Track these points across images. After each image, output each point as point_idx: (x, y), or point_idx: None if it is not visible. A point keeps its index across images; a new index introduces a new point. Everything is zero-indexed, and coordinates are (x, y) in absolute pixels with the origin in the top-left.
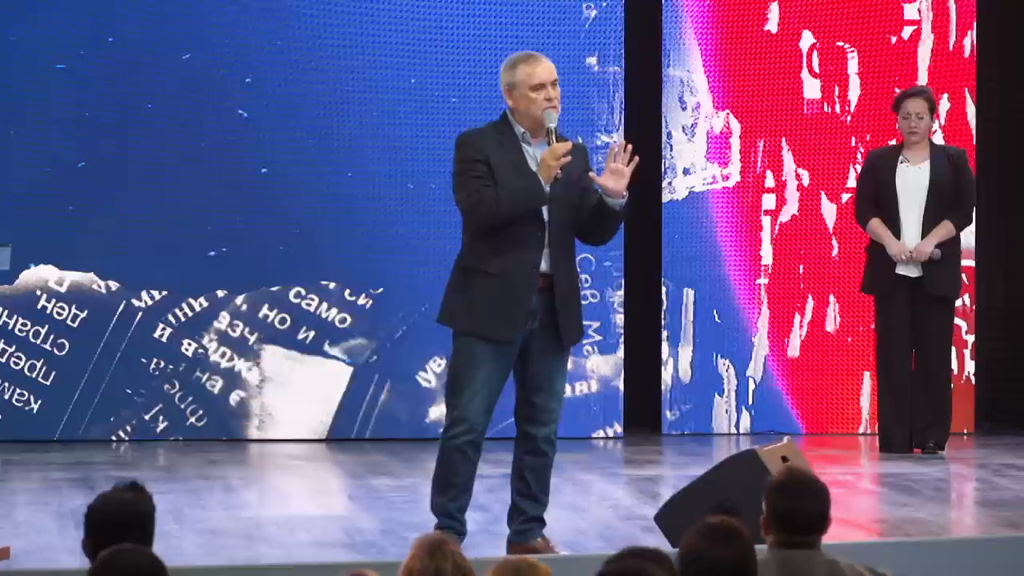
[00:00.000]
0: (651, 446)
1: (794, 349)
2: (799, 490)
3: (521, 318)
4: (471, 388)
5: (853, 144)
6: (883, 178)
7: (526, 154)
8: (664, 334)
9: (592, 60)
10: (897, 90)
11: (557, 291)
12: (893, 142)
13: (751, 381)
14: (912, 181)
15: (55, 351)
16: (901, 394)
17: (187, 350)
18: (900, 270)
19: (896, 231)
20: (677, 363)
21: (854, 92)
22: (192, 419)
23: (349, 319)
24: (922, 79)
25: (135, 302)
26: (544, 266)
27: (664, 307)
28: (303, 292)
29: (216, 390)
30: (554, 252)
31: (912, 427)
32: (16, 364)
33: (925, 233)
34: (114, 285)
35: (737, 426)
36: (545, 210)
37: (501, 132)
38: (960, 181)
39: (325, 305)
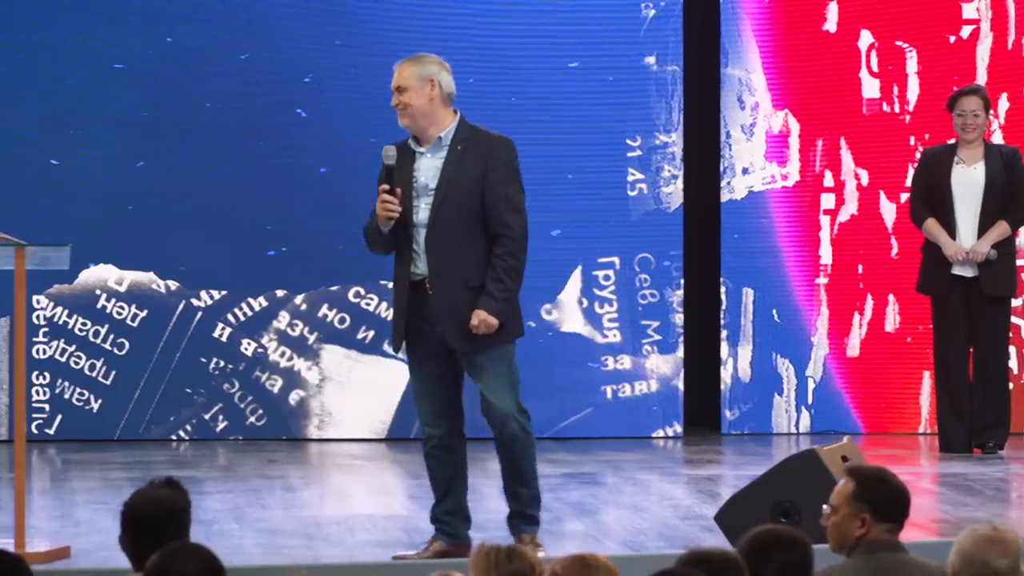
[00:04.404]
0: (711, 446)
1: (854, 349)
2: (889, 477)
3: (405, 327)
4: (415, 397)
5: (912, 143)
6: (938, 178)
7: (417, 162)
8: (723, 333)
9: (651, 59)
10: (955, 89)
11: (435, 295)
12: (952, 141)
13: (811, 381)
14: (967, 181)
15: (115, 351)
16: (959, 394)
17: (247, 350)
18: (956, 270)
19: (951, 231)
20: (737, 363)
21: (913, 91)
22: (252, 418)
23: None
24: (981, 78)
25: (195, 302)
26: (424, 271)
27: (723, 307)
28: (362, 292)
29: (276, 390)
30: (434, 256)
31: (971, 427)
32: (76, 363)
33: (981, 233)
34: (173, 285)
35: (797, 426)
36: (425, 214)
37: (409, 139)
38: (1013, 180)
39: (384, 304)
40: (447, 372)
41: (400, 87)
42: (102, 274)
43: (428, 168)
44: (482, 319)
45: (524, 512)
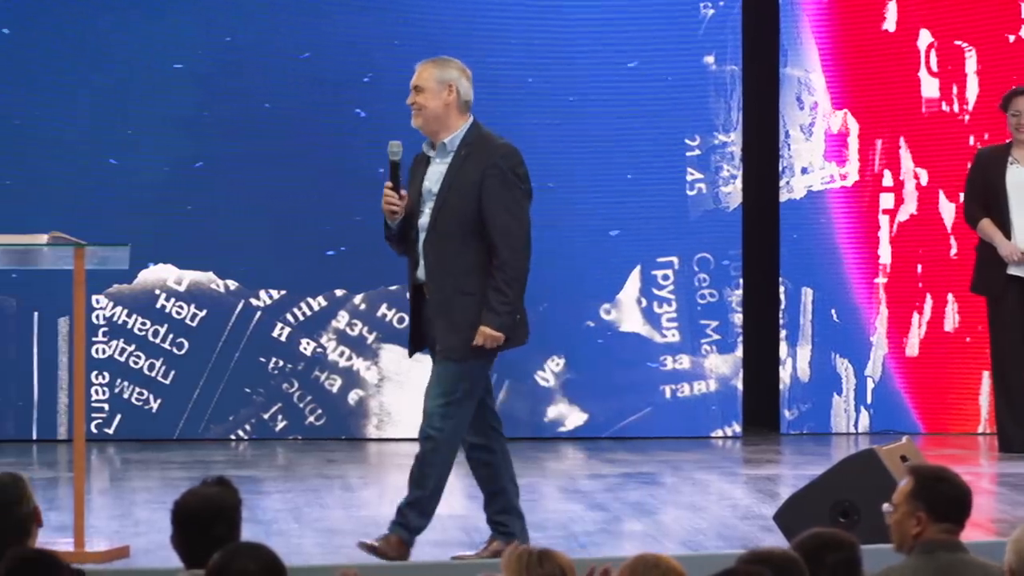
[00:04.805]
0: (770, 445)
1: (913, 348)
2: (949, 476)
3: (415, 330)
4: None
5: (971, 143)
6: (992, 178)
7: (428, 167)
8: (782, 333)
9: (710, 59)
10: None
11: (431, 299)
12: (1008, 141)
13: (870, 380)
14: (1022, 181)
15: (174, 350)
16: (1016, 394)
17: (306, 349)
18: (1012, 271)
19: (1006, 231)
20: (796, 362)
21: (972, 91)
22: (311, 418)
23: None
24: None
25: (254, 301)
26: (423, 276)
27: (782, 306)
28: None
29: (335, 389)
30: (429, 261)
31: None
32: (135, 363)
33: None
34: (233, 284)
35: (856, 425)
36: (426, 219)
37: (425, 144)
38: None
39: None
40: None
41: (418, 87)
42: (161, 274)
43: (434, 173)
44: (487, 335)
45: (401, 510)
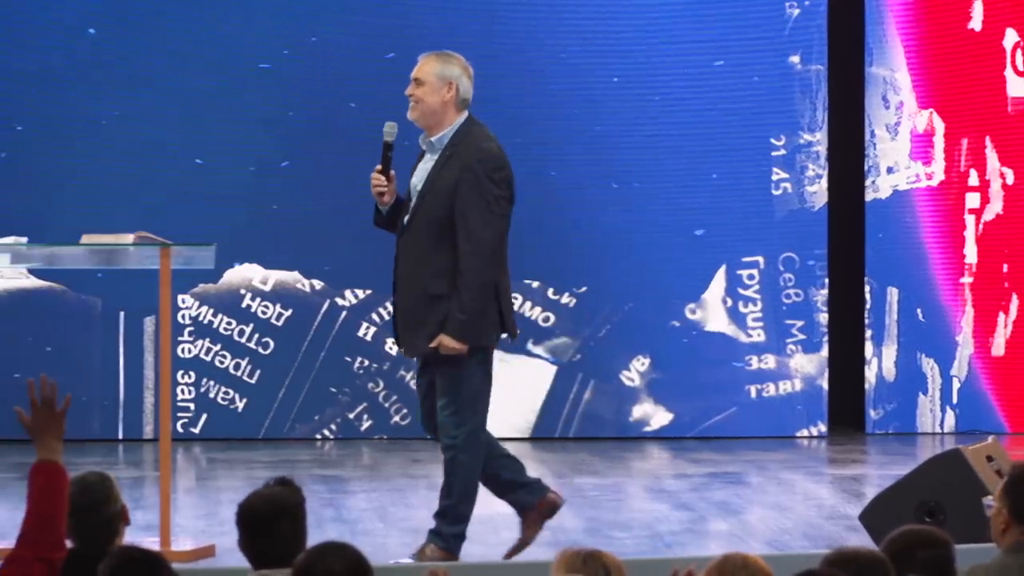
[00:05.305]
0: (855, 445)
1: (998, 348)
2: None
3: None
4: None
5: None
6: None
7: (421, 162)
8: (868, 333)
9: (795, 58)
10: None
11: (398, 300)
12: None
13: (955, 380)
14: None
15: (260, 350)
16: None
17: (391, 349)
18: None
19: None
20: (881, 362)
21: None
22: (396, 418)
23: (552, 318)
24: None
25: (339, 301)
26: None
27: (868, 306)
28: None
29: None
30: (402, 261)
31: None
32: (221, 363)
33: None
34: (318, 284)
35: (941, 425)
36: (407, 217)
37: (421, 139)
38: None
39: (529, 304)
40: (430, 383)
41: (419, 79)
42: (247, 273)
43: (421, 171)
44: (445, 345)
45: (434, 520)
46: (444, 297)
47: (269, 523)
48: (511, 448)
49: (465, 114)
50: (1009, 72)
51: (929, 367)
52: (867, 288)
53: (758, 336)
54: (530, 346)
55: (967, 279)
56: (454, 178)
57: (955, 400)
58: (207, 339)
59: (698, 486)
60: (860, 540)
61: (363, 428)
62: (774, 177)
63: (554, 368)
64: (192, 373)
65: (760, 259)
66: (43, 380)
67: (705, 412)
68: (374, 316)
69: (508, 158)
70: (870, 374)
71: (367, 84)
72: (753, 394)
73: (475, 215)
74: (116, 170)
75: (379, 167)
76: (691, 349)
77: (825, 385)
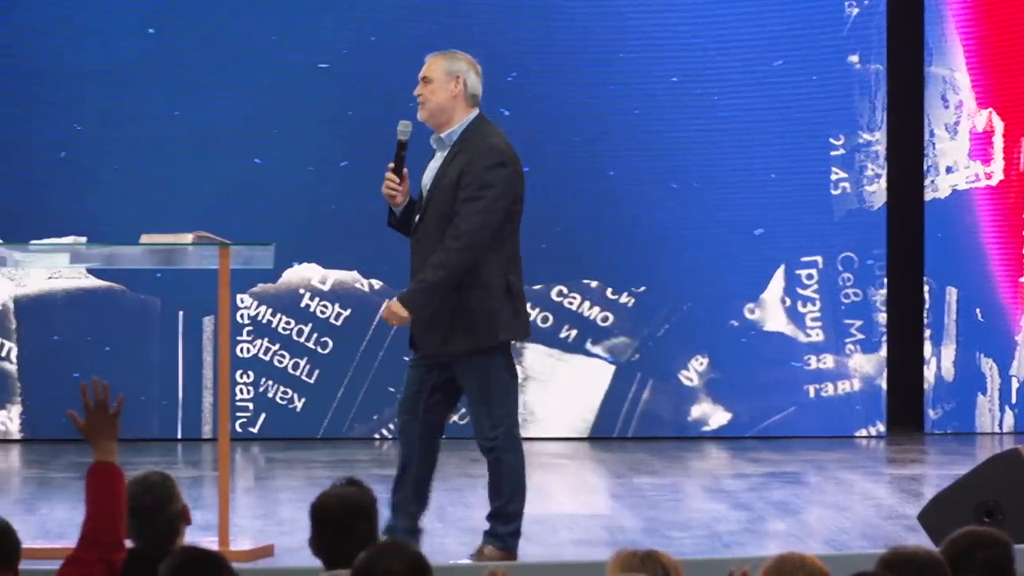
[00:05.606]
0: (914, 445)
1: None
2: None
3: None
4: None
5: None
6: None
7: (431, 160)
8: (927, 333)
9: (854, 58)
10: None
11: None
12: None
13: (1015, 380)
14: None
15: (319, 349)
16: None
17: None
18: None
19: None
20: (940, 362)
21: None
22: (455, 417)
23: (611, 317)
24: None
25: None
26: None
27: (927, 306)
28: (565, 291)
29: None
30: (415, 260)
31: None
32: (280, 362)
33: None
34: (377, 284)
35: (1000, 425)
36: (419, 215)
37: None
38: None
39: (587, 304)
40: (441, 381)
41: (426, 78)
42: (306, 273)
43: (431, 168)
44: (390, 310)
45: (489, 523)
46: (456, 292)
47: (346, 523)
48: (570, 448)
49: (476, 111)
50: None
51: (988, 367)
52: (926, 288)
53: (817, 336)
54: (589, 346)
55: None
56: (458, 173)
57: (1014, 400)
58: (266, 339)
59: (756, 486)
60: (918, 540)
61: None
62: (833, 177)
63: (613, 368)
64: (251, 373)
65: (819, 259)
66: (95, 382)
67: (764, 412)
68: None
69: (518, 156)
70: (929, 374)
71: None
72: (812, 394)
73: (468, 209)
74: (175, 170)
75: (392, 165)
76: (750, 349)
77: (884, 385)
